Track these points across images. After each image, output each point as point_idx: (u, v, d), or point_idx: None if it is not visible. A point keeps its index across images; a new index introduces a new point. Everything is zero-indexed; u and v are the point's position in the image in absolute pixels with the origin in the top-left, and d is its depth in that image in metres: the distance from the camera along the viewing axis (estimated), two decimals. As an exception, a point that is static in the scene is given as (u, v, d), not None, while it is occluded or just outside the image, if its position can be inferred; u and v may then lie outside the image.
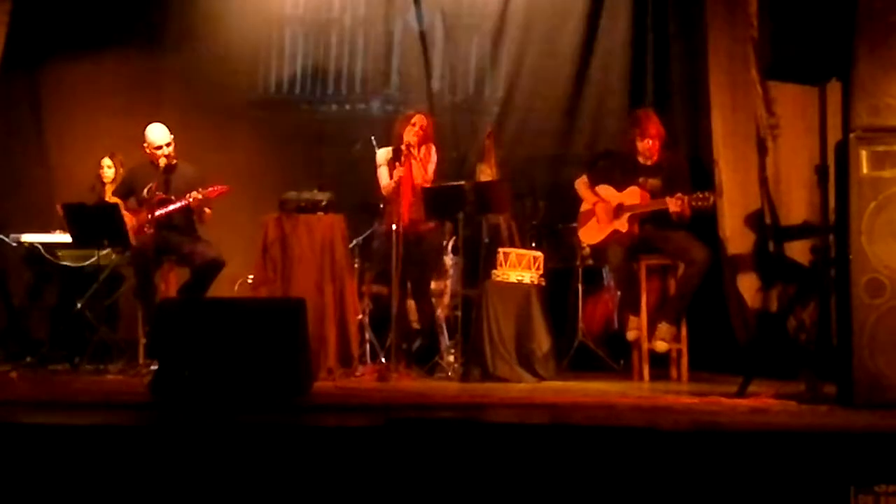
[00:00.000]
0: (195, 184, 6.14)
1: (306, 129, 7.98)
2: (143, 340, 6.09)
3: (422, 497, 3.18)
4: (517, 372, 5.76)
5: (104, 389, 5.11)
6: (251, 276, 6.31)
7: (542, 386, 5.60)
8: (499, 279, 5.97)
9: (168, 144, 6.26)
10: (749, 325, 6.06)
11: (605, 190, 6.10)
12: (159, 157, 6.24)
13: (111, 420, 3.80)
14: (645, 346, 5.88)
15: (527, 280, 5.97)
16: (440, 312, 6.53)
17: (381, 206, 6.41)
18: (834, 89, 4.52)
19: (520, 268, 5.98)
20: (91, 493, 3.23)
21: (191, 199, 6.06)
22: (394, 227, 5.95)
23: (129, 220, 6.08)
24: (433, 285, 6.50)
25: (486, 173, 6.76)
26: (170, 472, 3.26)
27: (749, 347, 5.93)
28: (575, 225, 6.38)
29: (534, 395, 4.98)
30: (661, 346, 5.83)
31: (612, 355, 6.61)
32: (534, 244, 6.77)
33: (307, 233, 6.02)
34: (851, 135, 4.28)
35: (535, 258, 6.06)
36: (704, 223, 6.01)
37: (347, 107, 8.13)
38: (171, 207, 6.13)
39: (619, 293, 6.54)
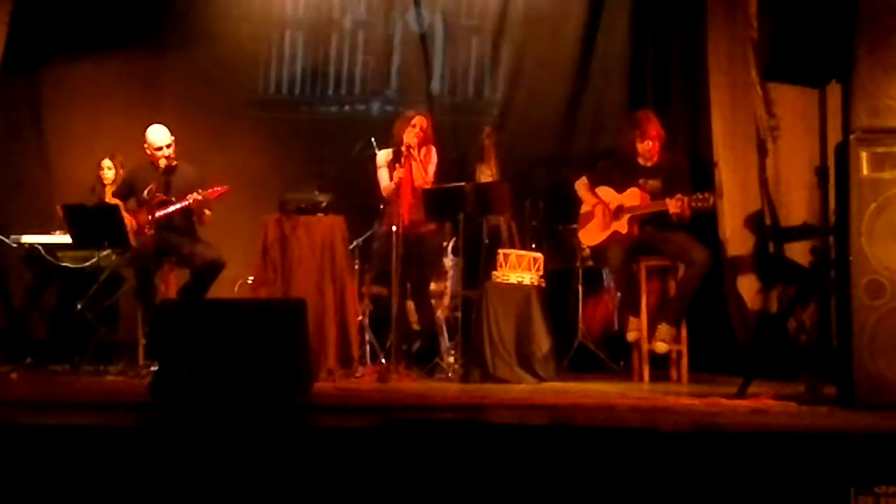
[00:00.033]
0: (195, 185, 6.14)
1: (306, 129, 7.98)
2: (142, 341, 6.09)
3: (422, 498, 3.18)
4: (517, 373, 5.76)
5: (104, 390, 5.12)
6: (251, 277, 6.31)
7: (542, 387, 5.60)
8: (499, 280, 5.97)
9: (168, 146, 6.26)
10: (749, 326, 6.06)
11: (604, 191, 6.10)
12: (159, 158, 6.24)
13: (111, 421, 3.79)
14: (645, 347, 5.88)
15: (527, 281, 5.97)
16: (440, 313, 6.53)
17: (381, 207, 6.40)
18: (834, 91, 4.52)
19: (520, 269, 5.98)
20: (91, 494, 3.23)
21: (191, 200, 6.06)
22: (394, 228, 5.96)
23: (129, 221, 6.08)
24: (433, 286, 6.50)
25: (486, 174, 6.76)
26: (170, 472, 3.26)
27: (749, 348, 5.93)
28: (575, 226, 6.38)
29: (534, 396, 4.98)
30: (661, 347, 5.83)
31: (612, 356, 6.62)
32: (534, 245, 6.77)
33: (307, 234, 6.02)
34: (851, 136, 4.28)
35: (535, 259, 6.06)
36: (704, 224, 6.01)
37: (347, 108, 8.13)
38: (172, 208, 6.13)
39: (619, 294, 6.54)
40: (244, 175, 7.20)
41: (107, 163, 7.04)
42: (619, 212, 5.99)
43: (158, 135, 6.27)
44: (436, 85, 7.93)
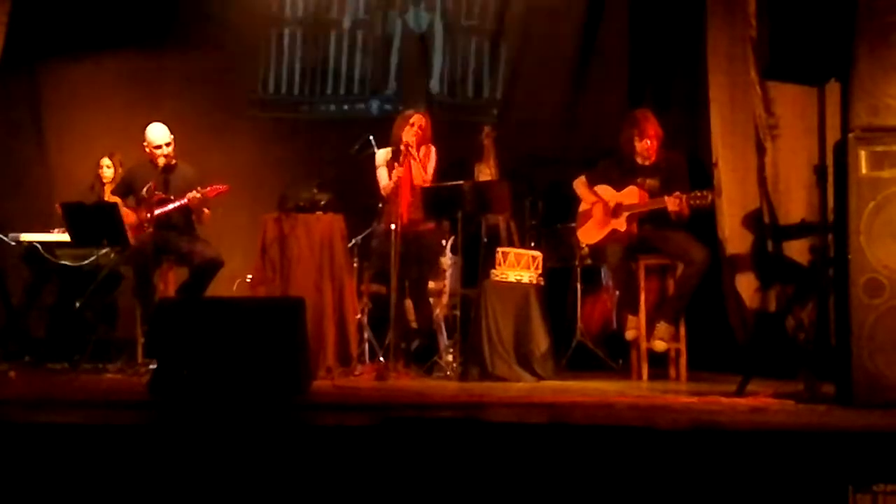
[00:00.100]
0: (194, 184, 6.14)
1: (305, 129, 7.99)
2: (141, 339, 6.09)
3: (420, 496, 3.17)
4: (516, 371, 5.76)
5: (103, 388, 5.12)
6: (250, 276, 6.31)
7: (541, 385, 5.60)
8: (497, 279, 5.97)
9: (168, 144, 6.26)
10: (748, 324, 6.06)
11: (603, 190, 6.10)
12: (159, 156, 6.24)
13: (110, 419, 3.79)
14: (643, 345, 5.88)
15: (525, 280, 5.97)
16: (439, 312, 6.53)
17: (380, 206, 6.41)
18: (833, 89, 4.53)
19: (518, 267, 5.98)
20: (90, 493, 3.22)
21: (190, 199, 6.06)
22: (392, 226, 5.96)
23: (129, 216, 6.08)
24: (432, 285, 6.50)
25: (485, 173, 6.76)
26: (168, 471, 3.26)
27: (748, 347, 5.93)
28: (573, 225, 6.38)
29: (532, 394, 4.97)
30: (659, 345, 5.82)
31: (611, 355, 6.63)
32: (533, 244, 6.78)
33: (306, 232, 6.02)
34: (850, 135, 4.28)
35: (534, 258, 6.06)
36: (703, 223, 6.01)
37: (346, 107, 8.14)
38: (170, 206, 6.14)
39: (617, 293, 6.54)
40: (243, 174, 7.21)
41: (106, 161, 7.04)
42: (617, 210, 5.99)
43: (158, 133, 6.28)
44: (435, 84, 7.94)
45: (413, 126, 6.22)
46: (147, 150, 6.30)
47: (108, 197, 6.61)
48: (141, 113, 6.87)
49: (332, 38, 8.10)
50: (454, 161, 7.17)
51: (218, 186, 6.11)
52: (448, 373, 6.00)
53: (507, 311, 5.87)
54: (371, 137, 6.51)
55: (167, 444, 3.33)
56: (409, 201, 6.18)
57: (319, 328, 5.85)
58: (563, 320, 6.75)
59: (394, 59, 8.06)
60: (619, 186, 6.02)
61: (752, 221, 6.08)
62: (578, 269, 6.85)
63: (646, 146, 5.94)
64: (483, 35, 7.94)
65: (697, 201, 5.64)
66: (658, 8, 7.39)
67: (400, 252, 5.93)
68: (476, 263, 6.06)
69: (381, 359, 6.19)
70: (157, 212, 6.12)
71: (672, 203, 5.68)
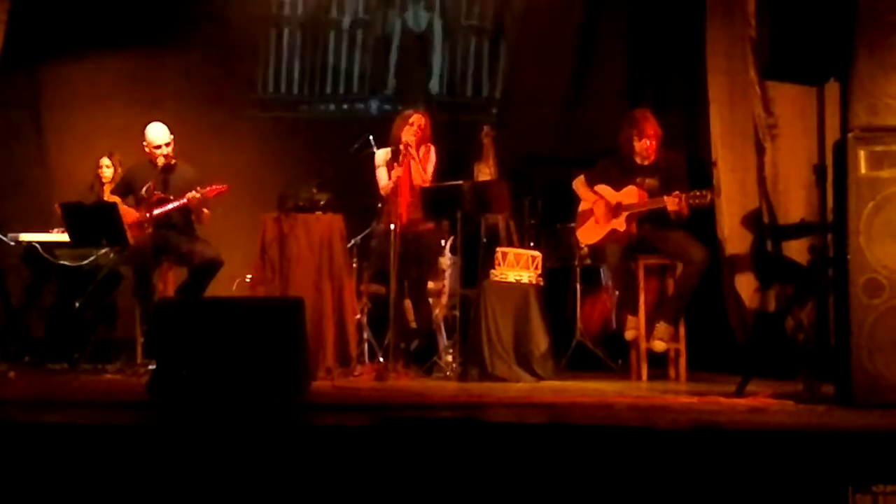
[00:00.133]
0: (194, 184, 6.14)
1: (305, 128, 8.00)
2: (140, 340, 6.08)
3: (420, 496, 3.17)
4: (515, 371, 5.76)
5: (102, 389, 5.12)
6: (249, 276, 6.30)
7: (541, 385, 5.60)
8: (497, 279, 5.97)
9: (167, 144, 6.25)
10: (747, 324, 6.06)
11: (602, 189, 6.10)
12: (158, 156, 6.24)
13: (109, 419, 3.79)
14: (643, 345, 5.88)
15: (525, 280, 5.97)
16: (438, 312, 6.52)
17: (380, 205, 6.41)
18: (832, 89, 4.52)
19: (518, 267, 5.98)
20: (89, 493, 3.22)
21: (189, 198, 6.06)
22: (392, 226, 5.96)
23: (130, 214, 6.08)
24: (431, 285, 6.50)
25: (485, 173, 6.76)
26: (168, 471, 3.26)
27: (747, 347, 5.93)
28: (573, 225, 6.38)
29: (532, 394, 4.98)
30: (659, 345, 5.82)
31: (611, 355, 6.63)
32: (532, 244, 6.77)
33: (305, 232, 6.01)
34: (850, 135, 4.28)
35: (534, 258, 6.06)
36: (703, 223, 6.01)
37: (346, 107, 8.15)
38: (170, 206, 6.13)
39: (617, 293, 6.53)
40: (243, 174, 7.20)
41: (105, 161, 7.04)
42: (617, 210, 5.99)
43: (158, 133, 6.27)
44: (434, 83, 7.95)
45: (412, 126, 6.22)
46: (147, 149, 6.30)
47: (108, 197, 6.60)
48: (141, 113, 6.87)
49: (331, 38, 8.11)
50: (453, 161, 7.18)
51: (217, 186, 6.11)
52: (447, 373, 6.00)
53: (507, 312, 5.87)
54: (370, 137, 6.51)
55: (166, 444, 3.33)
56: (409, 201, 6.18)
57: (319, 328, 5.85)
58: (563, 320, 6.75)
59: (393, 59, 8.06)
60: (618, 186, 6.02)
61: (752, 221, 6.08)
62: (578, 269, 6.85)
63: (645, 146, 5.94)
64: (483, 35, 7.95)
65: (697, 201, 5.64)
66: (657, 8, 7.39)
67: (399, 252, 5.93)
68: (475, 263, 6.06)
69: (381, 359, 6.19)
70: (156, 212, 6.11)
71: (671, 203, 5.68)
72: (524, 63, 7.83)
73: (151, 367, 5.21)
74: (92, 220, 6.03)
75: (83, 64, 7.74)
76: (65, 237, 6.33)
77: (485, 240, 6.28)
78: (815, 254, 4.97)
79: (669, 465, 3.15)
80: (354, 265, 6.43)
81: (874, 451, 3.16)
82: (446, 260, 6.49)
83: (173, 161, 6.28)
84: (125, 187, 6.41)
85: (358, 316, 6.26)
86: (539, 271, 6.05)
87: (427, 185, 6.16)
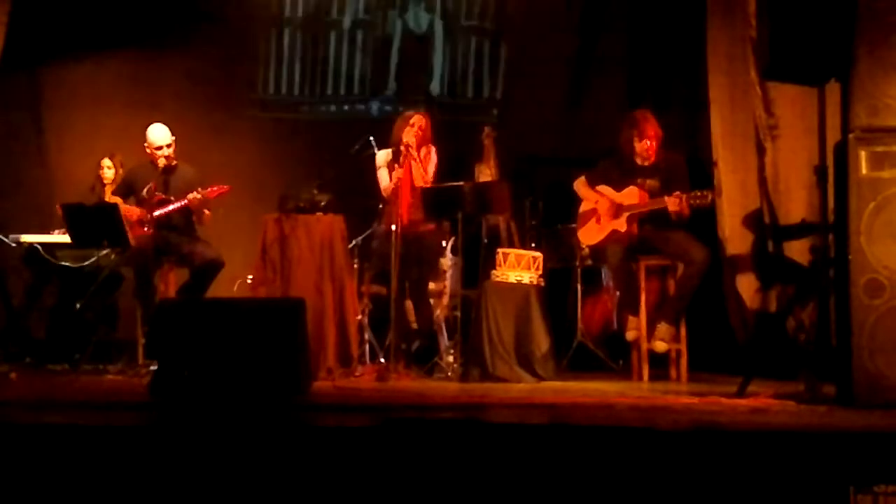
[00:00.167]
0: (195, 184, 6.14)
1: (305, 129, 8.00)
2: (142, 340, 6.08)
3: (421, 497, 3.17)
4: (516, 372, 5.76)
5: (103, 390, 5.13)
6: (250, 277, 6.30)
7: (542, 386, 5.60)
8: (498, 279, 5.97)
9: (169, 145, 6.26)
10: (748, 325, 6.06)
11: (603, 190, 6.10)
12: (159, 157, 6.24)
13: (110, 420, 3.80)
14: (644, 346, 5.88)
15: (526, 280, 5.97)
16: (439, 313, 6.52)
17: (381, 206, 6.41)
18: (833, 90, 4.53)
19: (519, 268, 5.98)
20: (90, 494, 3.23)
21: (190, 199, 6.06)
22: (393, 227, 5.96)
23: (132, 212, 6.08)
24: (432, 286, 6.50)
25: (486, 173, 6.76)
26: (169, 472, 3.26)
27: (748, 347, 5.93)
28: (574, 225, 6.38)
29: (533, 395, 4.98)
30: (660, 346, 5.82)
31: (612, 355, 6.62)
32: (533, 244, 6.77)
33: (306, 233, 6.01)
34: (850, 135, 4.28)
35: (535, 258, 6.06)
36: (704, 223, 6.01)
37: (347, 107, 8.15)
38: (171, 207, 6.13)
39: (618, 293, 6.53)
40: (244, 175, 7.20)
41: (106, 162, 7.04)
42: (618, 210, 5.98)
43: (159, 134, 6.28)
44: (435, 84, 7.95)
45: (413, 127, 6.22)
46: (148, 150, 6.30)
47: (109, 198, 6.60)
48: (141, 113, 6.88)
49: (332, 39, 8.11)
50: (454, 161, 7.19)
51: (218, 187, 6.11)
52: (449, 374, 6.00)
53: (508, 312, 5.87)
54: (371, 138, 6.51)
55: (168, 445, 3.34)
56: (410, 202, 6.18)
57: (320, 329, 5.85)
58: (564, 321, 6.75)
59: (394, 60, 8.07)
60: (619, 187, 6.02)
61: (753, 222, 6.08)
62: (579, 270, 6.85)
63: (645, 146, 5.94)
64: (483, 35, 7.95)
65: (697, 201, 5.64)
66: (658, 8, 7.39)
67: (400, 253, 5.93)
68: (476, 264, 6.07)
69: (382, 360, 6.19)
70: (157, 213, 6.12)
71: (672, 203, 5.68)
72: (525, 64, 7.83)
73: (153, 367, 5.22)
74: (93, 222, 6.03)
75: (84, 65, 7.74)
76: (66, 238, 6.33)
77: (486, 240, 6.29)
78: (817, 254, 4.97)
79: (671, 465, 3.16)
80: (355, 266, 6.43)
81: (875, 451, 3.16)
82: (447, 261, 6.49)
83: (174, 162, 6.29)
84: (126, 188, 6.42)
85: (359, 317, 6.26)
86: (540, 272, 6.05)
87: (428, 185, 6.16)
